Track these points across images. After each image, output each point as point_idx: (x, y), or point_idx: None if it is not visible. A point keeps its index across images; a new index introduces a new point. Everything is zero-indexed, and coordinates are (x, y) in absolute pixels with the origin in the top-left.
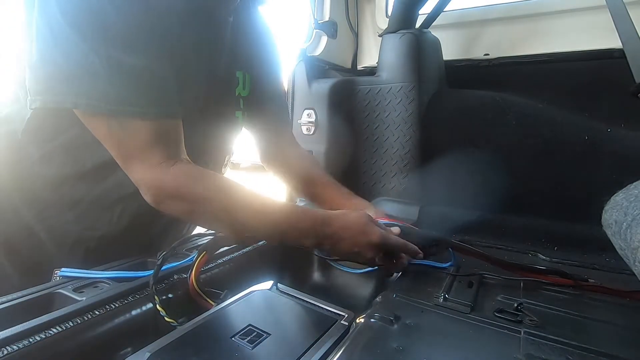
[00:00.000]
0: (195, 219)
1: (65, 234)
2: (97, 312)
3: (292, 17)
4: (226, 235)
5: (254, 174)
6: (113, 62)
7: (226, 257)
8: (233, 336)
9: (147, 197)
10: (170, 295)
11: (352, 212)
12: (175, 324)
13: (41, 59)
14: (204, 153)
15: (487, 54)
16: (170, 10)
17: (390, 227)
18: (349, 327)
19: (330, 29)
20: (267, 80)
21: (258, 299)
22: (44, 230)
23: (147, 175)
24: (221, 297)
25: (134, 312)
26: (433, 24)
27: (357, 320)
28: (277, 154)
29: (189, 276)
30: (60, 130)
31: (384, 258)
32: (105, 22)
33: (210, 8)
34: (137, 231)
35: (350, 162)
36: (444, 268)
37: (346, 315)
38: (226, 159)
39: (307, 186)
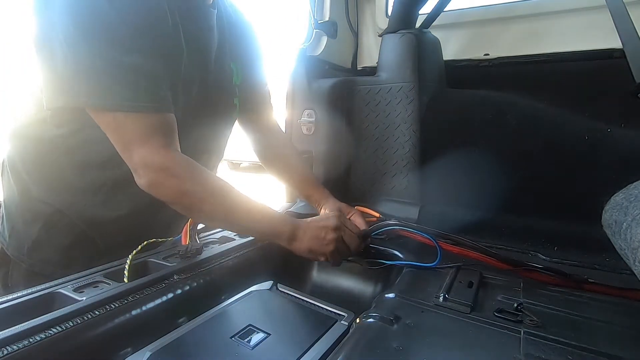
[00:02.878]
0: (182, 205)
1: (92, 216)
2: (97, 312)
3: (292, 17)
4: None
5: (254, 174)
6: (115, 63)
7: (226, 257)
8: (233, 336)
9: (142, 180)
10: (170, 295)
11: (317, 219)
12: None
13: (56, 65)
14: (205, 144)
15: (487, 54)
16: (163, 10)
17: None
18: (349, 327)
19: (330, 29)
20: (253, 70)
21: (258, 299)
22: (75, 214)
23: (144, 160)
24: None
25: (134, 312)
26: (433, 24)
27: (357, 320)
28: (275, 153)
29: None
30: (80, 126)
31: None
32: (108, 27)
33: (195, 1)
34: (154, 209)
35: (350, 162)
36: (428, 267)
37: (346, 315)
38: (222, 153)
39: (301, 187)
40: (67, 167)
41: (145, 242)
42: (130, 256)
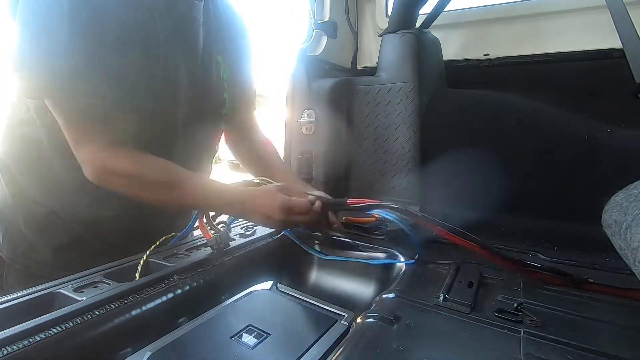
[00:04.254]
0: (132, 194)
1: (87, 217)
2: (97, 312)
3: (292, 17)
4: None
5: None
6: (76, 55)
7: (226, 257)
8: (233, 336)
9: (88, 173)
10: (170, 295)
11: (264, 187)
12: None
13: (17, 54)
14: (198, 139)
15: (487, 54)
16: (140, 3)
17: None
18: (349, 327)
19: (330, 29)
20: (241, 65)
21: (258, 299)
22: (69, 216)
23: (88, 158)
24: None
25: (133, 312)
26: (433, 24)
27: (357, 320)
28: (243, 138)
29: None
30: None
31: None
32: (73, 15)
33: None
34: (152, 208)
35: (350, 162)
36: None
37: (346, 315)
38: (214, 149)
39: (266, 172)
40: (58, 166)
41: (163, 238)
42: (147, 251)
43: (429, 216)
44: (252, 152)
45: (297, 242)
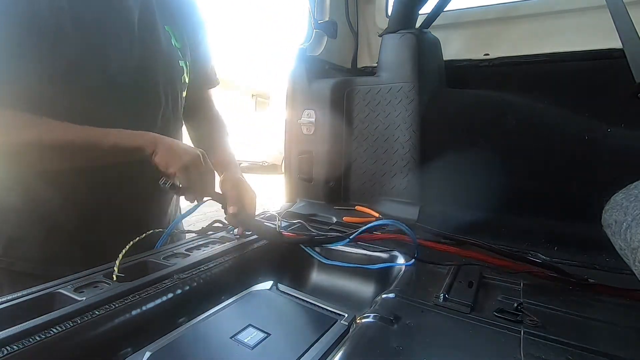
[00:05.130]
0: (25, 155)
1: (58, 204)
2: (97, 312)
3: (292, 17)
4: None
5: (253, 174)
6: None
7: (226, 257)
8: (233, 336)
9: None
10: (170, 295)
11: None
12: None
13: None
14: (161, 110)
15: (487, 54)
16: None
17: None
18: (349, 327)
19: (330, 28)
20: (194, 37)
21: (258, 299)
22: (44, 203)
23: None
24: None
25: (134, 312)
26: (433, 24)
27: (357, 320)
28: (194, 110)
29: None
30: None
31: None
32: None
33: None
34: (128, 195)
35: (350, 162)
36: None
37: (346, 315)
38: (180, 120)
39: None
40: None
41: (150, 231)
42: (127, 246)
43: (422, 226)
44: (200, 127)
45: (299, 244)
